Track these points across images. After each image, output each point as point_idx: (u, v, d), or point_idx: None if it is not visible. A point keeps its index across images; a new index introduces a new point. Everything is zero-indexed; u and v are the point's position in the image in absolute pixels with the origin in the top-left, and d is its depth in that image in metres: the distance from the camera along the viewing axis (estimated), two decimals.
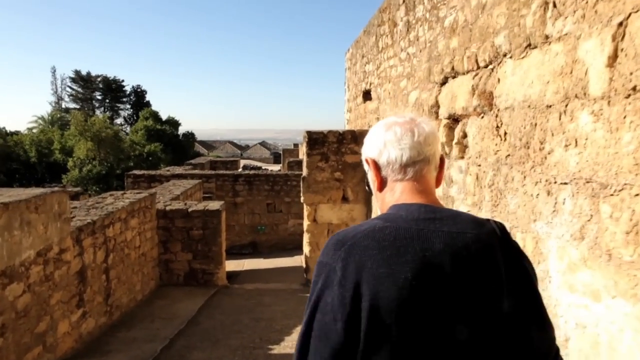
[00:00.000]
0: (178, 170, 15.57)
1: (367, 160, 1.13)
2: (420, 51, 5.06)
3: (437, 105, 4.55)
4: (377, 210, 1.17)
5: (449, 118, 4.22)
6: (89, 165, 23.58)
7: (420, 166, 1.05)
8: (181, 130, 40.43)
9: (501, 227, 1.01)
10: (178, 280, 7.85)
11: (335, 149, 7.85)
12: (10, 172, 27.99)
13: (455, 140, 4.02)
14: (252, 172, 15.56)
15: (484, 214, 3.37)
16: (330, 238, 0.99)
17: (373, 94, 7.72)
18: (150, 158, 28.76)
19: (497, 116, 3.21)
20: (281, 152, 41.58)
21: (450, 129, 4.20)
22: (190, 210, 7.90)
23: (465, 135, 3.91)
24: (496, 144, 3.23)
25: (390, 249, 0.90)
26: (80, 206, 5.91)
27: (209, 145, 70.45)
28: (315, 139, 7.79)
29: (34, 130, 35.43)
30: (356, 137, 7.89)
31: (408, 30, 5.55)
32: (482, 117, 3.52)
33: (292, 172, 15.33)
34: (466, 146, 3.89)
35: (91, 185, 22.59)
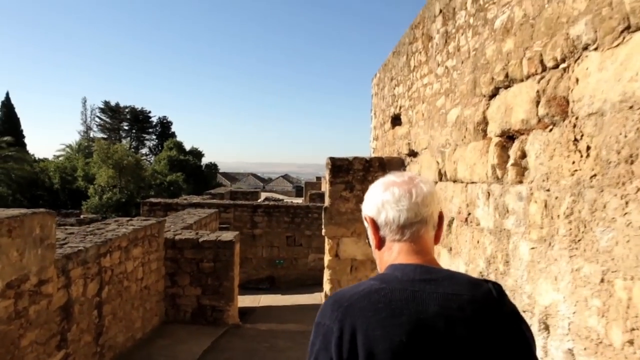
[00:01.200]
0: (195, 199, 15.10)
1: (365, 218, 1.18)
2: (462, 62, 4.42)
3: (484, 121, 3.86)
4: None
5: (501, 135, 3.51)
6: (109, 192, 23.44)
7: (418, 227, 1.06)
8: (204, 161, 40.65)
9: (498, 288, 1.02)
10: (185, 317, 7.14)
11: (361, 177, 7.17)
12: (34, 198, 28.12)
13: (510, 162, 3.31)
14: (271, 203, 14.96)
15: (556, 252, 2.62)
16: (328, 298, 1.02)
17: (403, 118, 7.08)
18: (172, 188, 28.65)
19: (574, 126, 2.50)
20: (303, 185, 41.14)
21: (504, 148, 3.49)
22: (201, 240, 7.26)
23: (524, 155, 3.20)
24: (573, 162, 2.51)
25: (385, 311, 0.91)
26: (78, 232, 5.35)
27: (231, 177, 70.75)
28: (339, 166, 7.14)
29: (60, 158, 35.92)
30: (384, 165, 7.20)
31: (446, 41, 4.95)
32: (551, 130, 2.81)
33: (314, 204, 14.68)
34: (526, 168, 3.17)
35: (110, 213, 22.34)
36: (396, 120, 7.85)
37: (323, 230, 7.29)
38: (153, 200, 15.05)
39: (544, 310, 2.77)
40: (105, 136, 48.28)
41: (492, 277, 3.56)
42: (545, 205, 2.79)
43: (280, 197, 37.73)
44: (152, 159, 44.11)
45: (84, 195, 25.18)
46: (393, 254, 1.08)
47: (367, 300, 0.93)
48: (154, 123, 52.25)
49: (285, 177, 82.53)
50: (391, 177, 1.17)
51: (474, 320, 0.92)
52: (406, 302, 0.92)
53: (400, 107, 7.24)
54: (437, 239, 1.14)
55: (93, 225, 6.08)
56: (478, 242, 3.90)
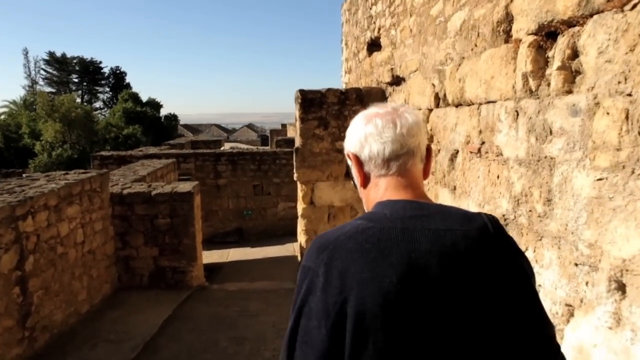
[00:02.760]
0: (152, 150, 13.84)
1: (348, 155, 1.08)
2: None
3: (507, 19, 2.93)
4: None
5: (537, 33, 2.60)
6: (59, 149, 21.62)
7: (404, 159, 1.00)
8: (163, 112, 38.66)
9: (494, 221, 0.96)
10: (142, 282, 6.23)
11: (337, 112, 6.21)
12: None
13: (555, 66, 2.42)
14: (235, 150, 13.86)
15: None
16: (314, 241, 0.95)
17: (383, 41, 6.07)
18: (129, 141, 26.95)
19: None
20: (268, 134, 39.73)
21: (540, 49, 2.59)
22: (154, 193, 6.24)
23: (575, 54, 2.30)
24: None
25: (374, 252, 0.86)
26: None
27: (193, 128, 68.19)
28: (311, 100, 6.14)
29: (2, 116, 33.10)
30: (362, 97, 6.25)
31: None
32: (634, 8, 1.93)
33: (281, 150, 13.70)
34: (578, 72, 2.29)
35: (61, 171, 20.69)
36: (373, 46, 6.82)
37: (295, 175, 6.39)
38: (104, 153, 13.72)
39: (619, 264, 1.98)
40: (53, 90, 45.00)
41: (523, 221, 2.77)
42: (627, 117, 1.93)
43: (245, 146, 36.28)
44: (107, 112, 41.64)
45: (32, 153, 23.25)
46: (380, 191, 1.00)
47: (354, 241, 0.87)
48: (107, 74, 48.97)
49: (250, 126, 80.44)
50: (373, 109, 1.07)
51: (468, 256, 0.87)
52: (396, 240, 0.86)
53: (380, 29, 6.21)
54: (425, 174, 1.05)
55: (15, 182, 4.95)
56: (498, 177, 3.08)
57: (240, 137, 62.33)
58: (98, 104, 48.35)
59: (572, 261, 2.31)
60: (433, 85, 4.31)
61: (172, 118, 40.15)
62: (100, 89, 50.32)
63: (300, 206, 6.40)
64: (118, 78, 49.75)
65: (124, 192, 6.22)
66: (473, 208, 3.47)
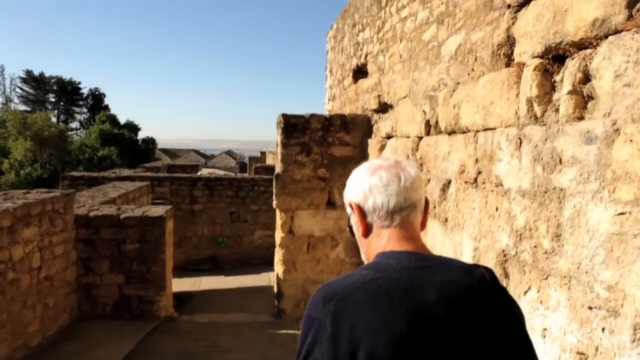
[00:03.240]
0: (126, 172, 13.37)
1: (351, 205, 1.08)
2: None
3: (509, 42, 2.78)
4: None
5: (542, 56, 2.45)
6: (29, 168, 20.83)
7: (407, 212, 1.03)
8: (141, 135, 38.12)
9: (490, 273, 1.00)
10: (104, 312, 5.75)
11: (320, 138, 6.00)
12: None
13: (566, 89, 2.24)
14: (213, 175, 13.49)
15: None
16: (318, 290, 0.95)
17: (370, 67, 5.94)
18: (104, 163, 26.25)
19: None
20: (247, 161, 39.39)
21: (547, 73, 2.43)
22: (123, 217, 5.84)
23: (587, 78, 2.14)
24: None
25: (383, 302, 0.87)
26: None
27: (171, 153, 67.34)
28: (294, 125, 5.92)
29: None
30: (347, 124, 6.07)
31: None
32: None
33: (260, 177, 13.38)
34: (590, 96, 2.12)
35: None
36: (359, 73, 6.70)
37: (274, 202, 6.10)
38: (75, 173, 13.17)
39: None
40: (28, 108, 43.97)
41: (526, 257, 2.54)
42: None
43: (223, 173, 35.71)
44: (83, 133, 40.83)
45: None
46: (382, 241, 1.02)
47: (363, 291, 0.89)
48: (85, 95, 48.17)
49: (229, 153, 79.96)
50: (376, 161, 1.09)
51: (472, 306, 0.91)
52: (404, 291, 0.89)
53: (367, 55, 6.09)
54: (422, 225, 1.08)
55: None
56: (497, 209, 2.87)
57: (218, 164, 61.73)
58: (74, 125, 47.42)
59: (586, 304, 2.07)
60: (424, 112, 4.14)
61: (150, 141, 39.58)
62: (78, 110, 49.41)
63: (279, 235, 6.09)
64: (96, 99, 49.03)
65: (90, 214, 5.80)
66: (467, 242, 3.25)
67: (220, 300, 8.67)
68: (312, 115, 6.01)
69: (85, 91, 48.28)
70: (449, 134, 3.70)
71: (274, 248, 13.30)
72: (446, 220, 3.65)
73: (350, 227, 1.13)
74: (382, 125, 5.57)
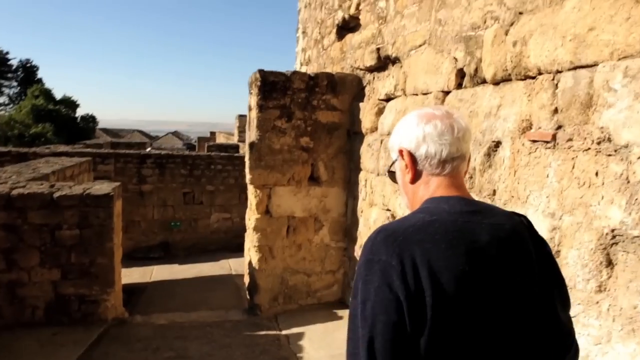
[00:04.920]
0: (63, 148, 11.75)
1: (401, 151, 1.11)
2: None
3: None
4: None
5: None
6: None
7: (457, 162, 1.07)
8: (80, 113, 35.34)
9: (526, 219, 1.10)
10: (34, 317, 4.57)
11: (304, 100, 5.03)
12: None
13: None
14: (164, 152, 12.15)
15: None
16: (377, 233, 0.98)
17: (365, 18, 4.99)
18: (37, 141, 23.87)
19: None
20: (196, 143, 37.45)
21: None
22: (57, 195, 4.64)
23: None
24: None
25: (443, 242, 0.93)
26: None
27: (113, 133, 63.34)
28: (273, 84, 4.91)
29: None
30: (335, 84, 5.12)
31: None
32: None
33: (217, 154, 12.19)
34: None
35: None
36: (344, 29, 5.75)
37: (247, 177, 5.09)
38: (1, 149, 11.41)
39: None
40: None
41: None
42: None
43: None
44: (13, 109, 37.33)
45: None
46: (431, 188, 1.08)
47: (423, 233, 0.95)
48: (14, 67, 43.96)
49: (175, 133, 76.60)
50: (428, 110, 1.12)
51: (516, 246, 1.00)
52: (460, 233, 0.96)
53: (358, 5, 5.13)
54: (465, 174, 1.15)
55: None
56: (597, 173, 2.07)
57: (164, 145, 58.71)
58: (2, 100, 43.35)
59: None
60: (454, 59, 3.28)
61: (90, 119, 36.85)
62: (7, 83, 45.12)
63: (253, 216, 5.10)
64: (28, 72, 44.93)
65: (13, 192, 4.55)
66: (536, 219, 2.45)
67: (177, 293, 7.58)
68: (295, 73, 5.01)
69: (14, 62, 44.08)
70: (497, 83, 2.86)
71: (232, 233, 12.34)
72: (494, 192, 2.83)
73: (391, 173, 1.19)
74: (379, 85, 4.68)
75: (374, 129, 4.70)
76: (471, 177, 3.07)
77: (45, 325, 4.46)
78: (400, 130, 1.12)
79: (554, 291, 1.04)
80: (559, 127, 2.30)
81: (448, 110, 1.11)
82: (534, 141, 2.47)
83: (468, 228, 0.96)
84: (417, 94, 3.82)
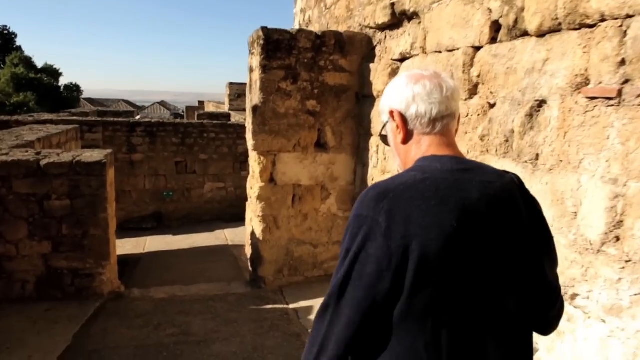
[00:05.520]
0: (47, 116, 11.23)
1: (391, 112, 1.12)
2: None
3: None
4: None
5: None
6: None
7: (447, 121, 1.09)
8: (63, 82, 34.21)
9: (517, 177, 1.11)
10: (24, 293, 4.28)
11: (310, 60, 4.67)
12: None
13: None
14: (155, 120, 11.68)
15: None
16: (367, 190, 1.00)
17: None
18: (19, 111, 23.06)
19: None
20: (184, 113, 36.57)
21: None
22: (44, 163, 4.28)
23: None
24: None
25: (434, 199, 0.94)
26: None
27: (98, 103, 61.80)
28: (278, 43, 4.53)
29: None
30: (343, 44, 4.76)
31: None
32: None
33: (210, 122, 11.78)
34: None
35: None
36: None
37: (250, 143, 4.76)
38: None
39: None
40: None
41: None
42: None
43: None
44: None
45: None
46: (423, 147, 1.09)
47: (414, 190, 0.96)
48: None
49: (162, 103, 75.10)
50: (416, 71, 1.13)
51: (506, 204, 1.01)
52: (451, 190, 0.96)
53: None
54: (455, 133, 1.15)
55: None
56: None
57: (151, 114, 57.56)
58: None
59: None
60: (489, 10, 2.94)
61: (74, 88, 35.72)
62: None
63: (257, 185, 4.80)
64: (6, 39, 43.12)
65: None
66: (594, 186, 2.18)
67: (173, 264, 7.33)
68: (300, 31, 4.62)
69: None
70: (543, 34, 2.55)
71: (226, 202, 12.04)
72: (537, 157, 2.56)
73: (383, 137, 1.21)
74: (393, 44, 4.32)
75: None
76: (507, 141, 2.80)
77: (37, 300, 4.18)
78: (390, 92, 1.14)
79: (542, 249, 1.07)
80: (626, 82, 2.02)
81: (436, 70, 1.13)
82: (592, 98, 2.19)
83: (459, 185, 0.97)
84: (440, 52, 3.49)
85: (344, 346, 0.93)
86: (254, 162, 4.80)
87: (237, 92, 19.90)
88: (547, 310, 1.11)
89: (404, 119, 1.10)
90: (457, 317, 0.94)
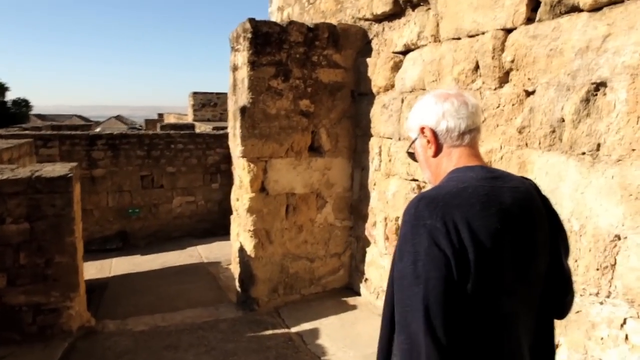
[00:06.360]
0: None
1: (422, 129, 1.23)
2: None
3: None
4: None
5: None
6: None
7: (474, 134, 1.21)
8: (10, 97, 32.40)
9: (533, 182, 1.24)
10: None
11: (302, 56, 4.23)
12: None
13: None
14: (117, 132, 10.89)
15: None
16: (417, 200, 1.08)
17: None
18: None
19: None
20: (141, 127, 35.19)
21: None
22: None
23: None
24: None
25: (478, 205, 1.05)
26: None
27: (50, 119, 59.05)
28: (267, 36, 4.07)
29: None
30: (337, 38, 4.35)
31: None
32: None
33: (177, 132, 11.10)
34: None
35: None
36: None
37: (239, 149, 4.26)
38: None
39: None
40: None
41: None
42: None
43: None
44: None
45: None
46: (453, 159, 1.20)
47: (460, 198, 1.06)
48: None
49: (118, 118, 72.55)
50: (441, 90, 1.26)
51: (532, 205, 1.14)
52: (488, 196, 1.07)
53: None
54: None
55: None
56: None
57: (107, 130, 55.42)
58: None
59: None
60: None
61: (23, 104, 33.85)
62: None
63: (246, 195, 4.30)
64: None
65: None
66: None
67: (146, 288, 6.66)
68: (292, 23, 4.18)
69: None
70: (599, 8, 2.22)
71: (197, 217, 11.36)
72: (597, 147, 2.21)
73: (411, 153, 1.33)
74: (394, 36, 3.95)
75: (389, 87, 4.00)
76: (553, 131, 2.45)
77: None
78: (418, 110, 1.26)
79: (559, 242, 1.20)
80: None
81: (458, 90, 1.25)
82: None
83: (494, 192, 1.09)
84: (459, 38, 3.13)
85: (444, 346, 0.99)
86: (242, 171, 4.30)
87: (202, 101, 19.19)
88: (564, 297, 1.25)
89: (434, 134, 1.21)
90: (503, 304, 1.07)
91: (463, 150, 1.19)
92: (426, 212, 1.04)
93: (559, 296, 1.23)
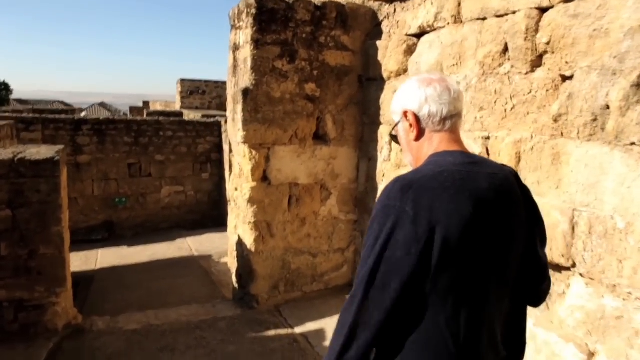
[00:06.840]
0: None
1: (405, 112, 1.25)
2: None
3: None
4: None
5: None
6: None
7: (455, 120, 1.22)
8: None
9: (512, 169, 1.25)
10: None
11: (309, 36, 3.96)
12: None
13: None
14: (103, 117, 10.47)
15: None
16: (392, 183, 1.11)
17: None
18: None
19: None
20: (126, 115, 34.45)
21: None
22: None
23: None
24: None
25: (452, 189, 1.06)
26: None
27: (32, 104, 57.68)
28: (272, 13, 3.79)
29: None
30: (345, 18, 4.09)
31: None
32: None
33: (166, 119, 10.72)
34: None
35: None
36: None
37: (240, 134, 3.99)
38: None
39: None
40: None
41: None
42: None
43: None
44: None
45: None
46: (434, 144, 1.21)
47: (435, 181, 1.07)
48: None
49: (102, 104, 71.23)
50: (425, 75, 1.27)
51: (509, 192, 1.15)
52: (464, 181, 1.08)
53: None
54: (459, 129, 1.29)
55: None
56: None
57: (91, 117, 54.25)
58: None
59: None
60: None
61: (2, 87, 33.00)
62: None
63: (246, 185, 4.04)
64: None
65: None
66: None
67: (135, 282, 6.37)
68: (298, 0, 3.90)
69: None
70: None
71: (186, 208, 11.05)
72: (633, 144, 2.01)
73: (394, 136, 1.34)
74: (408, 17, 3.71)
75: (402, 72, 3.76)
76: (595, 120, 2.23)
77: None
78: (401, 94, 1.27)
79: (535, 230, 1.23)
80: None
81: (442, 75, 1.25)
82: None
83: (471, 177, 1.10)
84: (484, 18, 2.90)
85: (375, 330, 1.02)
86: (243, 158, 4.03)
87: (190, 89, 18.73)
88: (539, 285, 1.27)
89: (417, 118, 1.22)
90: (474, 293, 1.07)
91: (444, 136, 1.20)
92: (399, 194, 1.06)
93: (534, 284, 1.26)
